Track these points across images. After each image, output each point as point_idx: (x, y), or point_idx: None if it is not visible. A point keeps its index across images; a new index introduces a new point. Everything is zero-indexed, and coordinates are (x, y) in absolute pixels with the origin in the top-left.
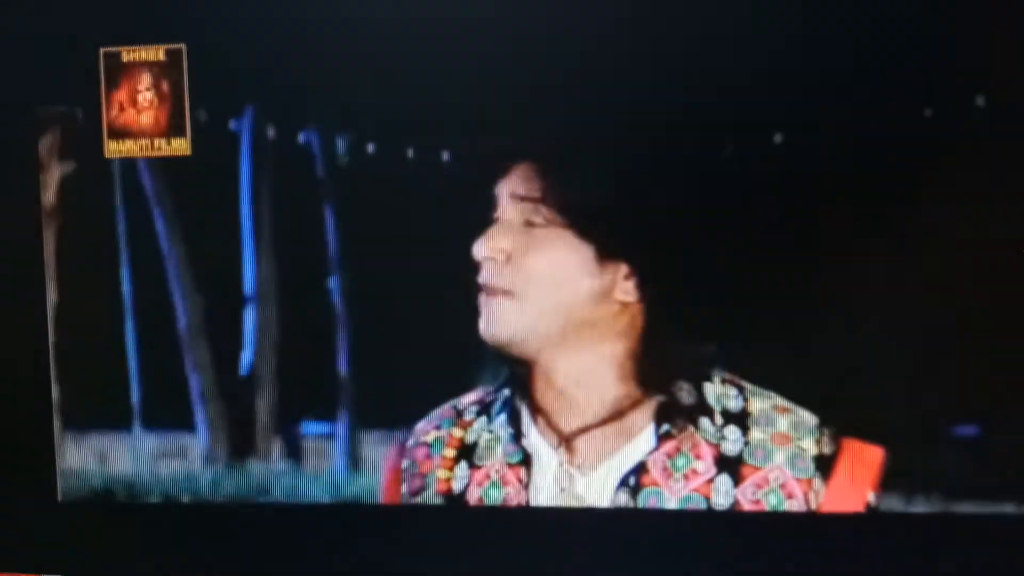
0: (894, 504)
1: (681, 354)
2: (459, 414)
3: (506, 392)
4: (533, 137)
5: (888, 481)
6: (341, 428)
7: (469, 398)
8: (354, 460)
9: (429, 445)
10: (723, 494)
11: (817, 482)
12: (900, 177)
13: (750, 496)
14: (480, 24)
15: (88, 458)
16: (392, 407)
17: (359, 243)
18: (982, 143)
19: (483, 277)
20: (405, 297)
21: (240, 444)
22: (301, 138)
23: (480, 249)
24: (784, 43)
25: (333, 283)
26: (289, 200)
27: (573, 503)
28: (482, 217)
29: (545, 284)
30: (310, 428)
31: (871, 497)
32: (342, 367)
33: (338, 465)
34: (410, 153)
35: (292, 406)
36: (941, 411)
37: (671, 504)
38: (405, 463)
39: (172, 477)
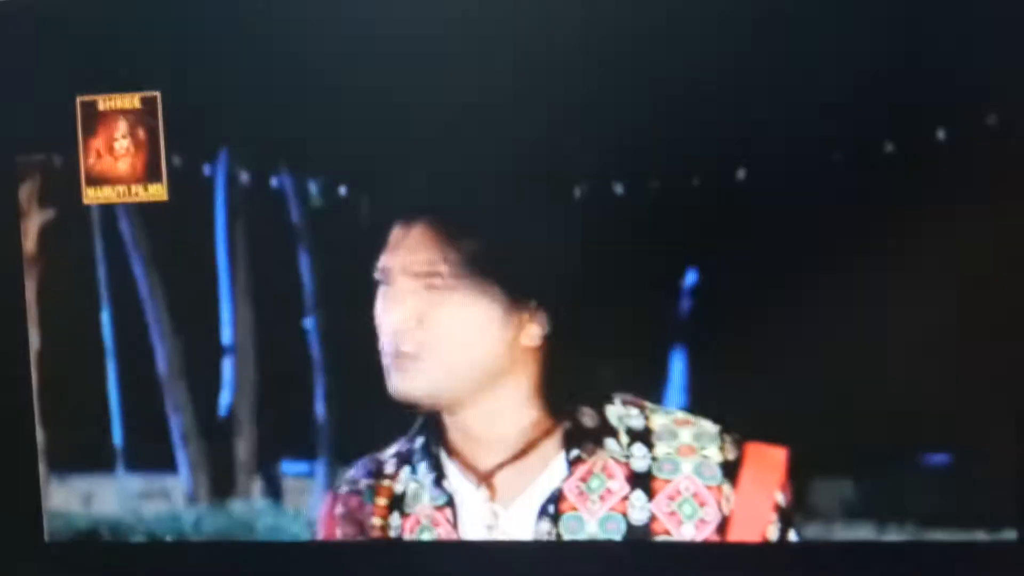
0: (867, 533)
1: (582, 381)
2: (380, 466)
3: (422, 439)
4: (431, 194)
5: (860, 510)
6: (320, 466)
7: (390, 450)
8: None
9: (361, 492)
10: (639, 509)
11: (727, 488)
12: (853, 202)
13: (665, 509)
14: (451, 66)
15: (73, 500)
16: (370, 444)
17: (334, 284)
18: (942, 175)
19: (390, 344)
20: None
21: (221, 484)
22: (274, 182)
23: (388, 319)
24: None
25: (309, 323)
26: (264, 242)
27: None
28: None
29: (453, 341)
30: (289, 467)
31: (779, 498)
32: (319, 406)
33: (318, 503)
34: None
35: (271, 445)
36: (912, 439)
37: (591, 525)
38: (339, 509)
39: (156, 517)
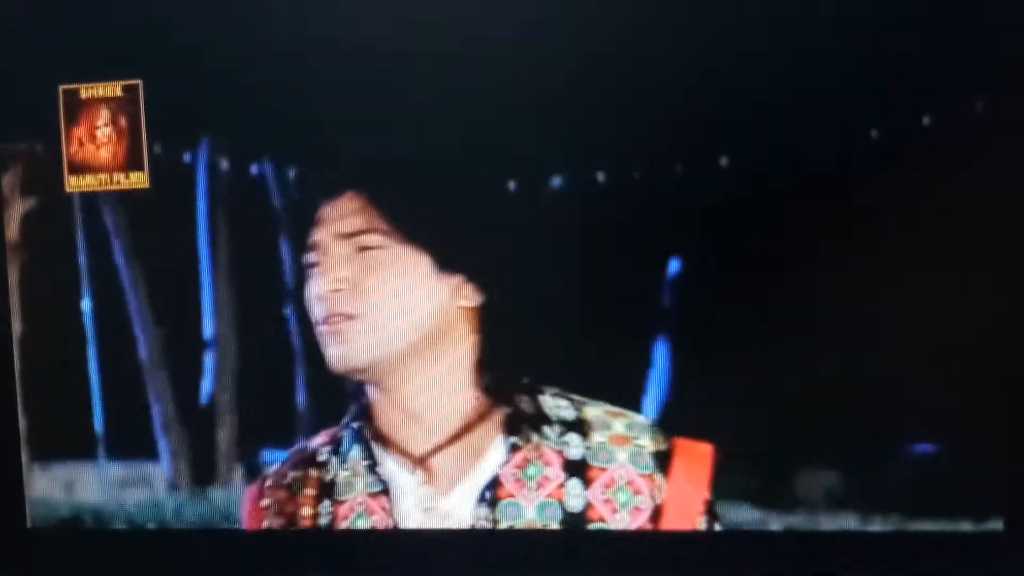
0: (851, 523)
1: (519, 362)
2: (309, 455)
3: (354, 425)
4: (359, 166)
5: (845, 501)
6: None
7: (318, 440)
8: None
9: (289, 486)
10: (575, 496)
11: (659, 478)
12: (837, 189)
13: (600, 496)
14: (429, 53)
15: (55, 487)
16: None
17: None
18: (928, 162)
19: (325, 310)
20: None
21: (202, 472)
22: (254, 170)
23: (321, 285)
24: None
25: (289, 311)
26: (244, 230)
27: (441, 522)
28: None
29: (390, 301)
30: (270, 455)
31: (708, 495)
32: (300, 394)
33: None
34: None
35: (252, 434)
36: (898, 430)
37: (529, 512)
38: (266, 501)
39: (137, 504)
